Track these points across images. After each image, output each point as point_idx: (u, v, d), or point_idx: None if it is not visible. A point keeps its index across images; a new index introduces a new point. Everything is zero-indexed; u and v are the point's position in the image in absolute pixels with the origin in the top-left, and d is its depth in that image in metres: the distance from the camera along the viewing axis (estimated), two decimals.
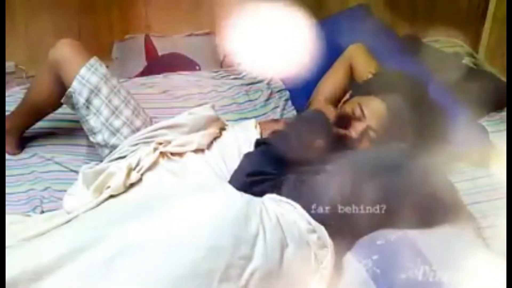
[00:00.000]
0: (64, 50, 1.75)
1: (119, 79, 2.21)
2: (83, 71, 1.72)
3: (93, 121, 1.74)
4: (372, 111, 1.69)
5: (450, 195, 1.57)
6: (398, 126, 1.64)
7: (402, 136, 1.60)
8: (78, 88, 1.71)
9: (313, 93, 2.01)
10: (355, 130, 1.68)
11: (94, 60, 1.75)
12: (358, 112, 1.69)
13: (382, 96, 1.71)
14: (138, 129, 1.76)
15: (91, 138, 1.78)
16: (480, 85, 2.13)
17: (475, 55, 2.54)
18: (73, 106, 1.76)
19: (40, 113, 1.89)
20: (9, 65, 2.43)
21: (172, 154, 1.69)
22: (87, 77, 1.72)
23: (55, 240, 1.34)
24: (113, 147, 1.75)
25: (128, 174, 1.60)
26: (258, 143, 1.63)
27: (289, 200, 1.46)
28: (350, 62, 1.96)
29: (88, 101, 1.72)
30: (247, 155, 1.61)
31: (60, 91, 1.75)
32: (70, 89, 1.72)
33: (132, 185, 1.60)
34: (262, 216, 1.37)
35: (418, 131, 1.62)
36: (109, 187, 1.58)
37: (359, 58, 1.95)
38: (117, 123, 1.74)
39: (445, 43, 2.56)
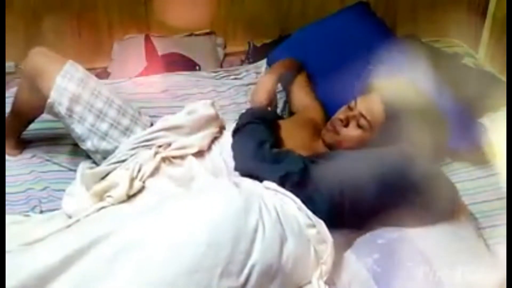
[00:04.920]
0: (37, 61, 1.70)
1: (117, 78, 2.23)
2: (59, 80, 1.65)
3: (78, 129, 1.69)
4: (365, 101, 1.70)
5: (450, 195, 1.57)
6: (394, 123, 1.62)
7: (397, 134, 1.58)
8: (57, 98, 1.66)
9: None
10: (343, 114, 1.70)
11: (68, 66, 1.69)
12: (351, 103, 1.72)
13: (382, 94, 1.70)
14: (127, 129, 1.73)
15: (81, 146, 1.74)
16: (480, 85, 2.13)
17: (475, 55, 2.54)
18: (56, 116, 1.72)
19: (28, 120, 1.84)
20: (9, 65, 2.42)
21: (173, 157, 1.68)
22: (64, 85, 1.66)
23: (58, 243, 1.34)
24: (105, 152, 1.71)
25: (131, 184, 1.57)
26: (236, 130, 1.71)
27: (289, 193, 1.47)
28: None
29: (69, 109, 1.67)
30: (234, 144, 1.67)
31: (41, 100, 1.68)
32: (49, 100, 1.66)
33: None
34: (262, 211, 1.38)
35: (418, 134, 1.60)
36: (110, 196, 1.56)
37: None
38: (104, 126, 1.69)
39: (445, 43, 2.56)
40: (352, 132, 1.68)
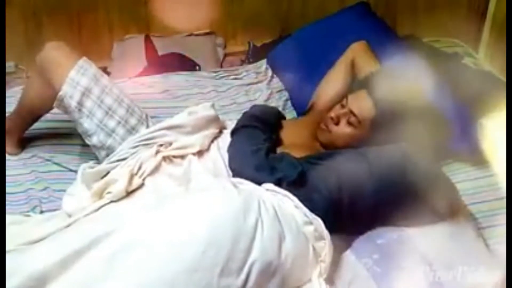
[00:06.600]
0: (52, 54, 1.73)
1: (117, 78, 2.23)
2: (72, 73, 1.68)
3: (87, 124, 1.71)
4: (355, 98, 1.72)
5: (450, 194, 1.58)
6: (384, 119, 1.64)
7: (390, 131, 1.58)
8: (69, 91, 1.68)
9: (313, 95, 2.01)
10: (334, 112, 1.72)
11: (82, 61, 1.72)
12: (343, 101, 1.73)
13: (373, 91, 1.71)
14: (133, 128, 1.74)
15: (86, 141, 1.76)
16: (480, 85, 2.13)
17: (475, 55, 2.54)
18: (65, 109, 1.73)
19: (35, 116, 1.87)
20: (9, 65, 2.43)
21: (174, 156, 1.69)
22: (77, 79, 1.69)
23: (57, 243, 1.35)
24: (110, 149, 1.72)
25: (130, 181, 1.59)
26: (233, 132, 1.72)
27: (287, 193, 1.48)
28: (353, 59, 1.96)
29: (80, 103, 1.69)
30: (232, 145, 1.68)
31: (52, 94, 1.71)
32: (61, 93, 1.69)
33: (133, 190, 1.60)
34: (260, 209, 1.39)
35: (412, 131, 1.60)
36: (109, 192, 1.57)
37: (361, 56, 1.94)
38: (111, 123, 1.71)
39: (445, 43, 2.56)
40: (343, 129, 1.70)
